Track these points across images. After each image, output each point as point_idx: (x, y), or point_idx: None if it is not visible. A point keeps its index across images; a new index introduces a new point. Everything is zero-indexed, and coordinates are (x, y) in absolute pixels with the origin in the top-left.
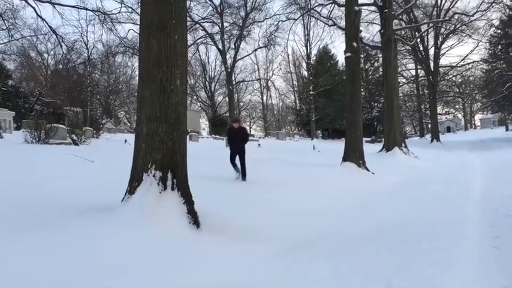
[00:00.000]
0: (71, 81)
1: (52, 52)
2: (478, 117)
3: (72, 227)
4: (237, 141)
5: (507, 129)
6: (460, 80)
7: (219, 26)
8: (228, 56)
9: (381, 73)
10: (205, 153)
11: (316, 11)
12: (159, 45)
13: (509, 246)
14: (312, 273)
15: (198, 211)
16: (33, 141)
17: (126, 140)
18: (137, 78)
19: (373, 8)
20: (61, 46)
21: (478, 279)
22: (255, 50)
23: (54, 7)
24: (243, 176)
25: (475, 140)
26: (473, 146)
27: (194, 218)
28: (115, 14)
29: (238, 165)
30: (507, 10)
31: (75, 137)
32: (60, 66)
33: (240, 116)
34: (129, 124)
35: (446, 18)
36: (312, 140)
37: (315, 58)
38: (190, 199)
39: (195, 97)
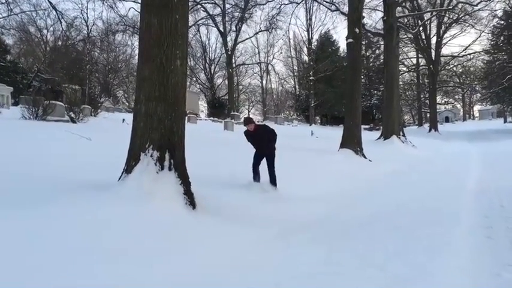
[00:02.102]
0: (69, 58)
1: (51, 28)
2: (476, 108)
3: (63, 204)
4: (262, 144)
5: (505, 121)
6: (460, 70)
7: (220, 8)
8: (228, 39)
9: (381, 61)
10: (203, 135)
11: None
12: (159, 24)
13: (503, 236)
14: (306, 257)
15: (194, 192)
16: (31, 117)
17: (124, 120)
18: (137, 57)
19: None
20: (60, 22)
21: (470, 267)
22: (256, 33)
23: None
24: (273, 182)
25: (473, 130)
26: (471, 137)
27: (190, 199)
28: None
29: (262, 173)
30: (511, 1)
31: (72, 115)
32: (60, 43)
33: (239, 100)
34: (127, 103)
35: (450, 7)
36: (310, 125)
37: (316, 43)
38: (187, 180)
39: (194, 79)
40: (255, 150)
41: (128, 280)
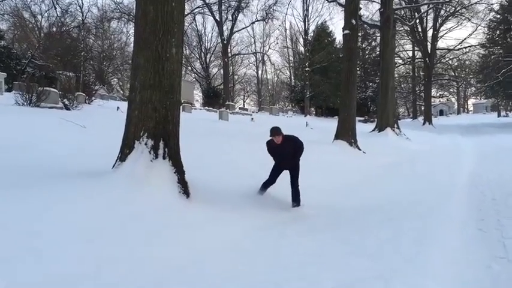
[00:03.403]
0: (64, 45)
1: (46, 14)
2: (471, 101)
3: (57, 190)
4: (286, 159)
5: (499, 115)
6: (456, 64)
7: None
8: (224, 28)
9: (377, 53)
10: (198, 124)
11: None
12: (155, 12)
13: (494, 229)
14: (299, 247)
15: (188, 181)
16: (24, 103)
17: (118, 107)
18: (132, 45)
19: None
20: (55, 8)
21: (461, 259)
22: (253, 22)
23: None
24: (297, 199)
25: (467, 124)
26: (464, 130)
27: (184, 188)
28: None
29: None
30: None
31: (67, 102)
32: (54, 29)
33: (234, 90)
34: (121, 91)
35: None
36: (305, 116)
37: (312, 34)
38: (181, 169)
39: (189, 68)
40: (274, 164)
41: (113, 262)
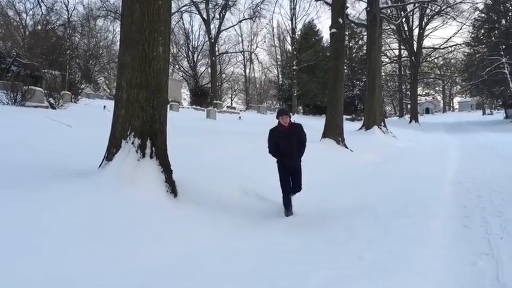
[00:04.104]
0: (49, 43)
1: (31, 12)
2: (456, 100)
3: (42, 190)
4: (291, 149)
5: (484, 113)
6: (441, 62)
7: None
8: (212, 26)
9: (364, 51)
10: (186, 123)
11: None
12: (142, 10)
13: (479, 226)
14: (286, 246)
15: (176, 180)
16: (9, 102)
17: (105, 106)
18: (118, 44)
19: None
20: (40, 6)
21: (447, 256)
22: (240, 21)
23: None
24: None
25: (453, 122)
26: (450, 128)
27: (172, 187)
28: None
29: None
30: None
31: (52, 101)
32: (39, 27)
33: (222, 88)
34: (108, 90)
35: None
36: (292, 115)
37: (299, 33)
38: (168, 168)
39: (177, 66)
40: (278, 161)
41: (98, 262)
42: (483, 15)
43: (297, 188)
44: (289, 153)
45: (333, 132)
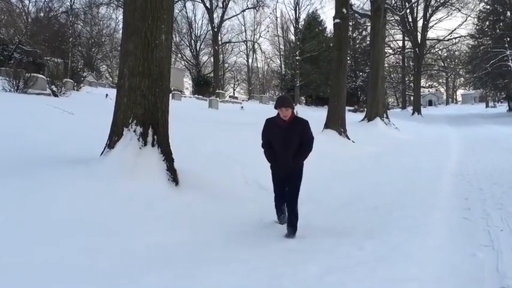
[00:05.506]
0: (52, 30)
1: None
2: (460, 92)
3: (43, 177)
4: (285, 151)
5: (487, 106)
6: (445, 54)
7: None
8: (215, 15)
9: (368, 42)
10: (187, 112)
11: None
12: None
13: (479, 218)
14: (283, 237)
15: (177, 169)
16: (11, 89)
17: (107, 95)
18: (121, 31)
19: None
20: None
21: (446, 247)
22: (243, 10)
23: None
24: (292, 224)
25: (456, 114)
26: (453, 121)
27: (173, 176)
28: None
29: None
30: None
31: (54, 88)
32: (42, 14)
33: (224, 78)
34: (110, 78)
35: None
36: (295, 105)
37: (303, 23)
38: (170, 156)
39: (179, 55)
40: (270, 165)
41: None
42: (488, 7)
43: (289, 208)
44: (283, 156)
45: (335, 123)
